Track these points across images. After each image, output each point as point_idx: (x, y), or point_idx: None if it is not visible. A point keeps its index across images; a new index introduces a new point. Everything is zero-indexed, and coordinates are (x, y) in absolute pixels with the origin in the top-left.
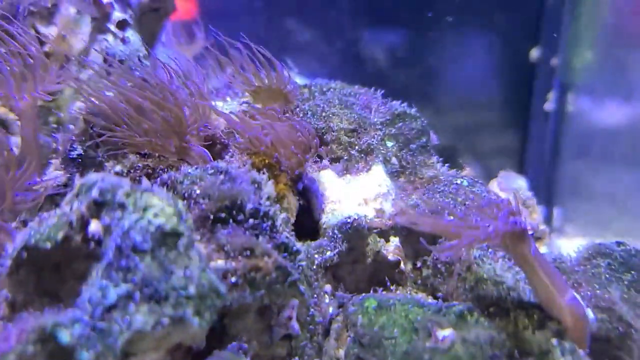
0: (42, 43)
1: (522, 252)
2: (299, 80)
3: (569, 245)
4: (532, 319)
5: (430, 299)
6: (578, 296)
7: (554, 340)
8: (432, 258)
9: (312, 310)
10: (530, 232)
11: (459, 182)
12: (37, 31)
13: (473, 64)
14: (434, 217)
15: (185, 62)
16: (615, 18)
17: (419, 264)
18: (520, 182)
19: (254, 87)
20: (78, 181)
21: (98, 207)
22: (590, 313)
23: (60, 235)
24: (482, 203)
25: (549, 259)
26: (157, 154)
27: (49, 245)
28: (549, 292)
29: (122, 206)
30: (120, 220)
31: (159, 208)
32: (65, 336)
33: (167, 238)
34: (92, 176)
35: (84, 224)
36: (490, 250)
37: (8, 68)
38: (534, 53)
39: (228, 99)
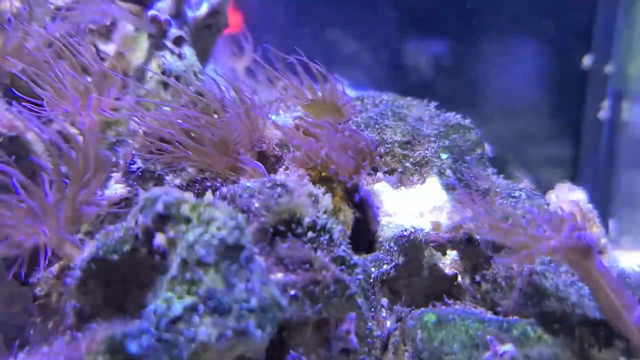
0: (101, 60)
1: (586, 268)
2: (350, 92)
3: (627, 258)
4: (598, 337)
5: (489, 314)
6: None
7: None
8: (491, 272)
9: (369, 324)
10: (595, 247)
11: (517, 194)
12: (96, 48)
13: (523, 72)
14: (497, 222)
15: (234, 76)
16: None
17: (477, 278)
18: (580, 195)
19: (307, 101)
20: (143, 195)
21: (163, 220)
22: None
23: (126, 248)
24: (546, 216)
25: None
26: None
27: (115, 257)
28: (616, 309)
29: (187, 219)
30: (184, 234)
31: (221, 221)
32: (134, 347)
33: (229, 251)
34: (157, 190)
35: (149, 237)
36: (552, 264)
37: (72, 85)
38: (587, 60)
39: (281, 112)
